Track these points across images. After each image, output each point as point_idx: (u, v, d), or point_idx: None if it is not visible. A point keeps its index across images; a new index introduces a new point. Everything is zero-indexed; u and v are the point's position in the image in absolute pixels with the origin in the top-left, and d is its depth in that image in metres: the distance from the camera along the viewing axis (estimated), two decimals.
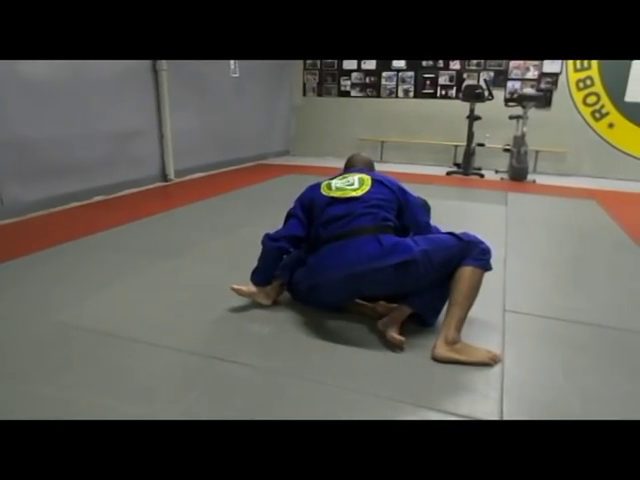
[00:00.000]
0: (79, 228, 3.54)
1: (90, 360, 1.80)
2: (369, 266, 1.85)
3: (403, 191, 2.17)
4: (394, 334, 1.91)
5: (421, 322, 2.05)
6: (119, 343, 1.92)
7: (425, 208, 2.31)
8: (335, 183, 2.17)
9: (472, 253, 1.89)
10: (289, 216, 2.23)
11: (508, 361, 1.85)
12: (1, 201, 3.70)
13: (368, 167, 2.38)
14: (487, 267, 1.92)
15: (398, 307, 2.03)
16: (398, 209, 2.11)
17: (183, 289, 2.47)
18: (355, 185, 2.12)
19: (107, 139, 4.70)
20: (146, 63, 5.13)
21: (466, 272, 1.87)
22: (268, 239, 2.15)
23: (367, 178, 2.16)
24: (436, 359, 1.82)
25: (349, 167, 2.39)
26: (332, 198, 2.10)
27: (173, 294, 2.40)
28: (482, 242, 1.95)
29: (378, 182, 2.15)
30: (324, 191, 2.16)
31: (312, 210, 2.15)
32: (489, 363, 1.81)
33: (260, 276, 2.20)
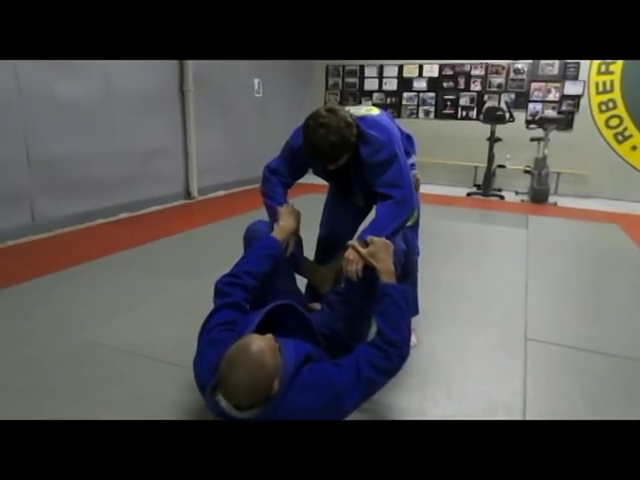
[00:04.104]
0: (104, 245, 3.63)
1: (115, 379, 1.85)
2: None
3: None
4: None
5: None
6: (143, 362, 1.97)
7: None
8: None
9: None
10: None
11: (530, 391, 1.85)
12: (32, 217, 3.83)
13: None
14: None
15: None
16: None
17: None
18: None
19: (134, 157, 4.84)
20: (174, 84, 5.28)
21: None
22: None
23: None
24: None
25: None
26: None
27: (196, 314, 2.44)
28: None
29: None
30: None
31: None
32: None
33: None
